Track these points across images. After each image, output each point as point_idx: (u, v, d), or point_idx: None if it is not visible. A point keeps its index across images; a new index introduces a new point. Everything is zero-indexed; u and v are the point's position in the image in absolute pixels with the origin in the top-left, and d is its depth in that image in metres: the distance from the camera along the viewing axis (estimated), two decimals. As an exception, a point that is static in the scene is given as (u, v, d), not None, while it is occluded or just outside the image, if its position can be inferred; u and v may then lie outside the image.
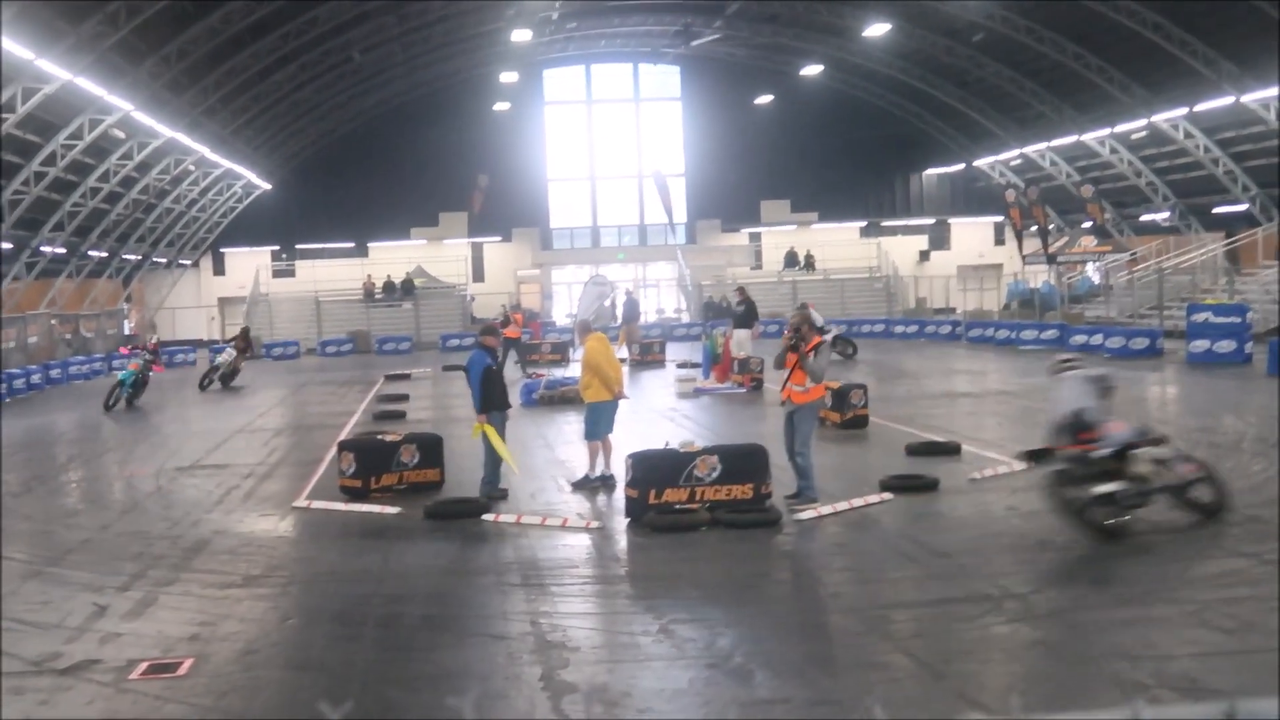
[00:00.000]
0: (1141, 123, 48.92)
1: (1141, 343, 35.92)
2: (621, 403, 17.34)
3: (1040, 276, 53.93)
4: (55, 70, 31.73)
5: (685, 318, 60.14)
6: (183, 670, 9.27)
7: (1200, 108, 44.98)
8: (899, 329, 51.28)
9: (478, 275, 65.30)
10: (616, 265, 64.15)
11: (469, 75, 61.68)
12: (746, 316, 34.64)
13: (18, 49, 29.65)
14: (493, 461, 16.14)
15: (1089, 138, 53.07)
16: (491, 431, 16.07)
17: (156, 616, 10.95)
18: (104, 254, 52.14)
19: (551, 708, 8.27)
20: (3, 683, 9.11)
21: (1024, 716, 7.38)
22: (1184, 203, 53.67)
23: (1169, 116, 47.35)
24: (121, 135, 41.81)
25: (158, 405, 33.06)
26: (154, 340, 39.89)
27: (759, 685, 8.58)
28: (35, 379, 38.66)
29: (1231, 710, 1.11)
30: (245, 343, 39.57)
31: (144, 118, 39.61)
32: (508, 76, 58.80)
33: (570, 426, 23.08)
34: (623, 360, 35.42)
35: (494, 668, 9.26)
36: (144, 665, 9.41)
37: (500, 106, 63.25)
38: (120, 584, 12.10)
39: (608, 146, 68.25)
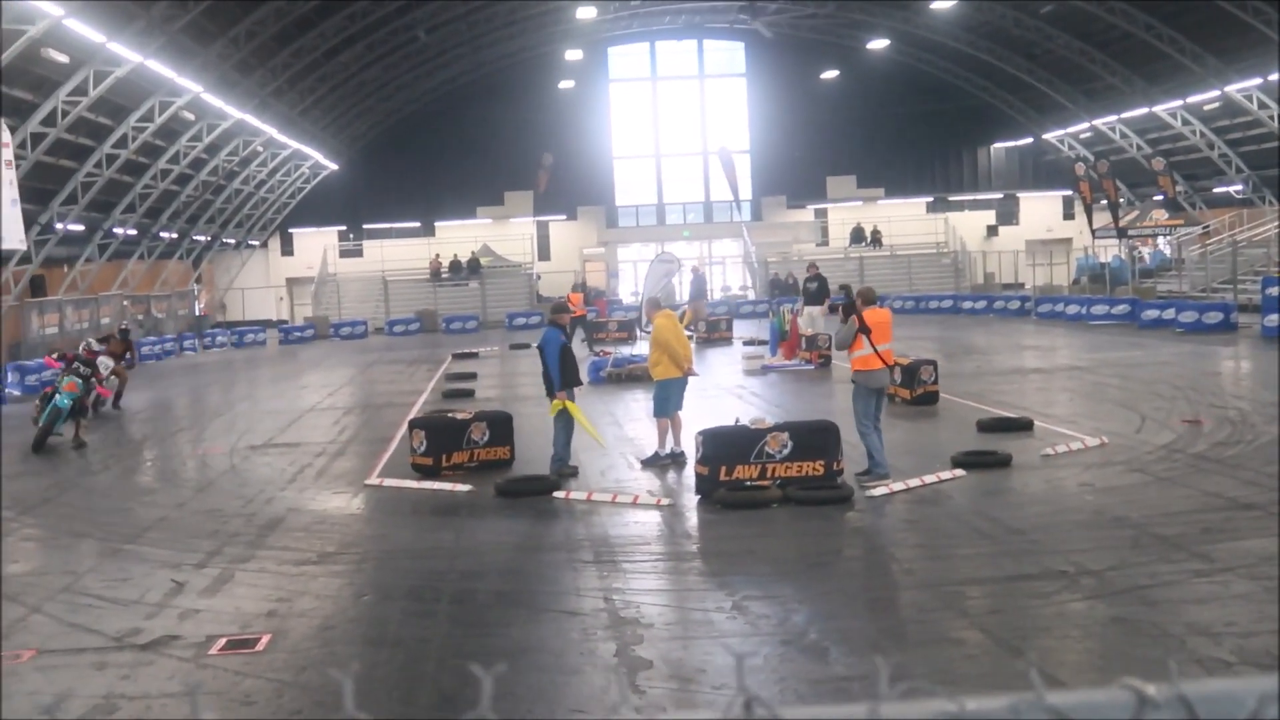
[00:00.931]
0: (1214, 93, 48.18)
1: (1215, 317, 35.44)
2: (690, 380, 17.33)
3: (1110, 251, 53.34)
4: (126, 53, 32.03)
5: (751, 295, 59.98)
6: (261, 646, 9.37)
7: (1275, 77, 44.23)
8: (967, 305, 50.93)
9: (543, 254, 65.39)
10: (682, 243, 64.02)
11: (534, 53, 61.70)
12: (818, 293, 34.49)
13: (90, 32, 29.94)
14: (564, 439, 16.18)
15: (1160, 109, 52.34)
16: (574, 407, 16.13)
17: (233, 593, 11.08)
18: (174, 235, 52.67)
19: (627, 683, 8.29)
20: (84, 658, 9.26)
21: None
22: (1257, 174, 52.84)
23: (1242, 87, 46.59)
24: (191, 117, 42.16)
25: (228, 384, 33.39)
26: (87, 347, 26.71)
27: (834, 661, 8.56)
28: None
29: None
30: (125, 347, 29.44)
31: (213, 99, 39.92)
32: (572, 54, 58.79)
33: (638, 404, 23.11)
34: (690, 337, 35.52)
35: (568, 643, 9.30)
36: (222, 641, 9.53)
37: (565, 84, 63.22)
38: (197, 561, 12.25)
39: (672, 123, 68.03)
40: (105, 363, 25.78)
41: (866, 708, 1.17)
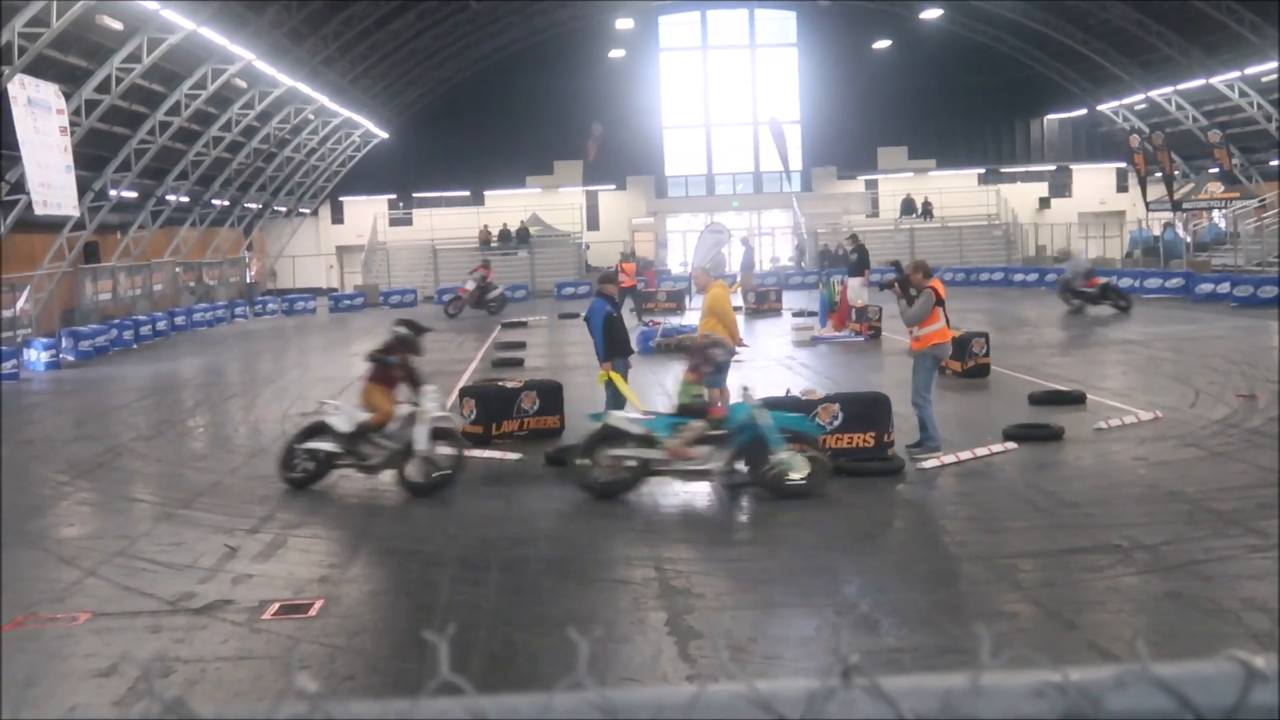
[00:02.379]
0: (1272, 65, 47.50)
1: (1270, 291, 35.04)
2: (740, 350, 17.28)
3: (1164, 224, 52.83)
4: (179, 20, 32.13)
5: (801, 265, 59.80)
6: (313, 611, 9.44)
7: (1335, 49, 43.61)
8: (1018, 277, 50.59)
9: (592, 224, 65.35)
10: (731, 213, 63.79)
11: (584, 22, 61.58)
12: (859, 264, 34.32)
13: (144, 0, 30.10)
14: (614, 408, 16.17)
15: (1217, 81, 51.66)
16: (617, 377, 16.12)
17: (286, 559, 11.16)
18: (226, 203, 52.93)
19: (678, 653, 8.30)
20: (139, 621, 9.35)
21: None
22: (1315, 148, 52.23)
23: (1302, 58, 45.99)
24: (243, 85, 42.29)
25: (279, 351, 33.60)
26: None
27: (886, 633, 8.55)
28: (161, 325, 39.50)
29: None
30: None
31: (265, 67, 40.02)
32: (623, 23, 58.63)
33: (688, 374, 23.06)
34: (737, 309, 35.44)
35: (619, 612, 9.32)
36: (275, 605, 9.61)
37: (615, 54, 63.04)
38: (250, 526, 12.35)
39: (723, 93, 67.71)
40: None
41: (968, 676, 1.14)
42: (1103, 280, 35.78)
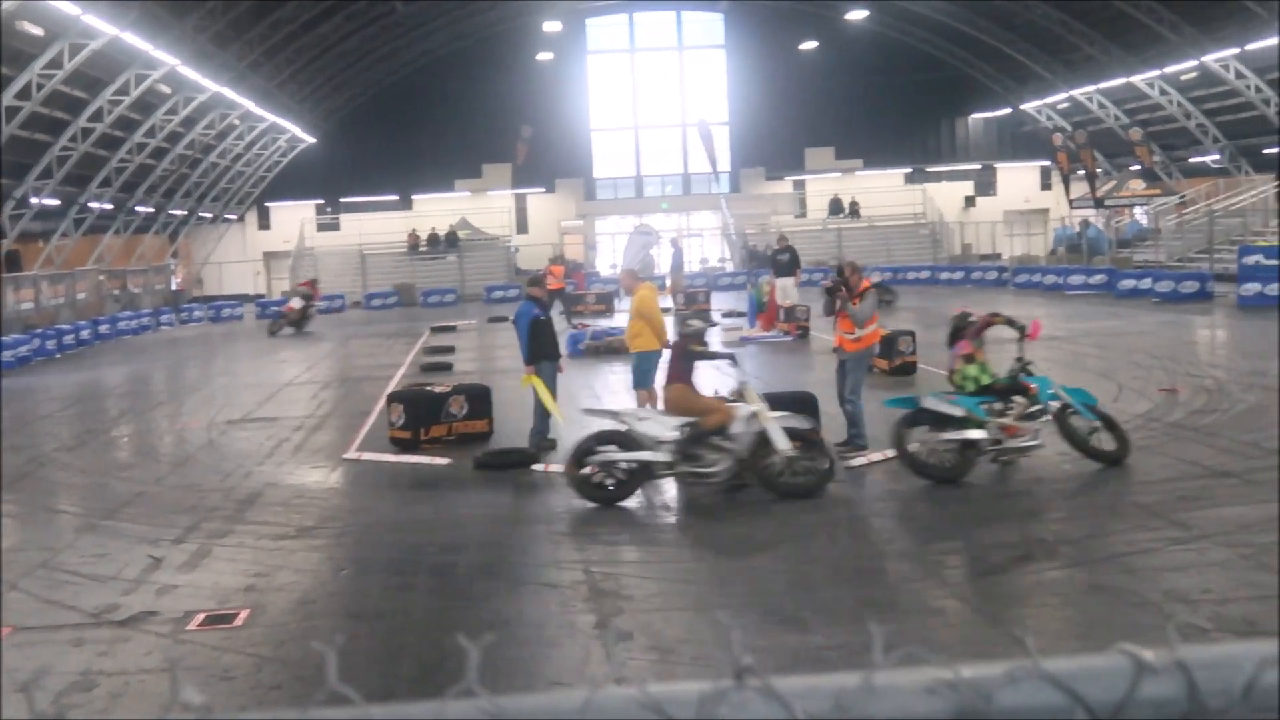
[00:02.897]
0: (1191, 63, 48.20)
1: (1191, 286, 35.57)
2: (665, 353, 17.29)
3: (1081, 221, 53.44)
4: (101, 25, 31.80)
5: (729, 267, 59.95)
6: (239, 621, 9.35)
7: (1251, 47, 44.25)
8: (945, 275, 51.01)
9: (521, 227, 65.28)
10: (660, 215, 63.89)
11: (512, 25, 61.46)
12: (789, 265, 34.47)
13: (65, 5, 29.75)
14: (542, 412, 16.15)
15: (1138, 79, 52.36)
16: (538, 382, 16.07)
17: (212, 568, 11.04)
18: (151, 209, 52.38)
19: (606, 655, 8.29)
20: (61, 635, 9.22)
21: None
22: (1234, 144, 52.98)
23: (1219, 56, 46.61)
24: (167, 90, 41.90)
25: (205, 359, 33.31)
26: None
27: (814, 631, 8.57)
28: (85, 334, 39.01)
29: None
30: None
31: (189, 72, 39.66)
32: (551, 26, 58.56)
33: (616, 376, 23.08)
34: (667, 310, 35.46)
35: (548, 615, 9.30)
36: (201, 616, 9.50)
37: (543, 56, 62.97)
38: (175, 536, 12.20)
39: (651, 95, 67.80)
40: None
41: (861, 676, 1.14)
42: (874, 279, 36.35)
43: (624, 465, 12.86)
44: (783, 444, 12.58)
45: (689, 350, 13.74)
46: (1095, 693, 1.15)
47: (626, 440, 12.97)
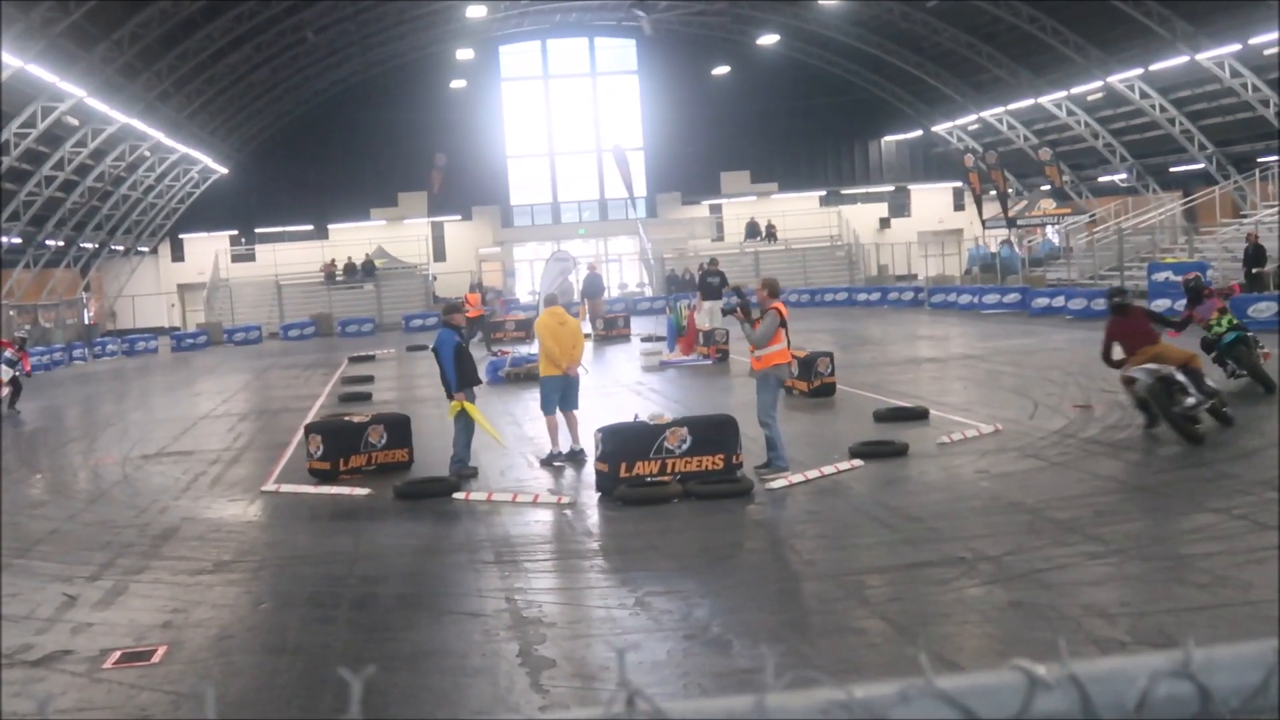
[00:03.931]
0: (1097, 84, 49.04)
1: (1103, 304, 35.93)
2: (587, 377, 17.31)
3: (1001, 241, 54.12)
4: (7, 59, 31.38)
5: (648, 291, 60.08)
6: (156, 658, 9.20)
7: (1155, 67, 45.09)
8: (861, 297, 51.40)
9: (439, 255, 65.07)
10: (578, 240, 63.94)
11: (424, 53, 61.35)
12: (719, 288, 34.65)
13: (-34, 37, 29.34)
14: (463, 440, 16.09)
15: (1046, 100, 53.17)
16: (472, 408, 16.04)
17: (128, 605, 10.87)
18: (61, 243, 51.71)
19: (530, 683, 8.25)
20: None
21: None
22: (1141, 163, 53.91)
23: (1124, 77, 47.48)
24: (75, 122, 41.42)
25: (120, 393, 32.88)
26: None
27: (737, 654, 8.57)
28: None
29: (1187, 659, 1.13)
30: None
31: (97, 104, 39.24)
32: (464, 53, 58.51)
33: (536, 403, 22.95)
34: (587, 336, 35.48)
35: (471, 645, 9.24)
36: (117, 654, 9.34)
37: (457, 84, 62.88)
38: (90, 573, 12.01)
39: (566, 122, 67.92)
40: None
41: (753, 699, 1.14)
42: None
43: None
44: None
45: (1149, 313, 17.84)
46: (989, 709, 1.16)
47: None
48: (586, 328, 38.17)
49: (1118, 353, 16.31)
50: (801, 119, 64.79)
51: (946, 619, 9.32)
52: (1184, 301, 21.90)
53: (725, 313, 15.74)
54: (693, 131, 64.78)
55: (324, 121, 61.99)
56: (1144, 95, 48.12)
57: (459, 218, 65.84)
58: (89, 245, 55.60)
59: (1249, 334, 19.06)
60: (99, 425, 26.54)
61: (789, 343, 15.26)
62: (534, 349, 32.06)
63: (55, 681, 8.82)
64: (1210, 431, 15.29)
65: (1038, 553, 10.72)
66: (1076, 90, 50.93)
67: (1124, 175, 54.95)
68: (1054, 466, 14.38)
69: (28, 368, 28.63)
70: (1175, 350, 15.91)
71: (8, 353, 28.07)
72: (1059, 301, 38.18)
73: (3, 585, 11.76)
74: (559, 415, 16.86)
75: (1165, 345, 16.04)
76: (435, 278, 61.48)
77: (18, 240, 46.07)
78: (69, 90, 36.50)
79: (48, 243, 49.72)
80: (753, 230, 63.06)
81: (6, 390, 27.62)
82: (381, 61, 60.52)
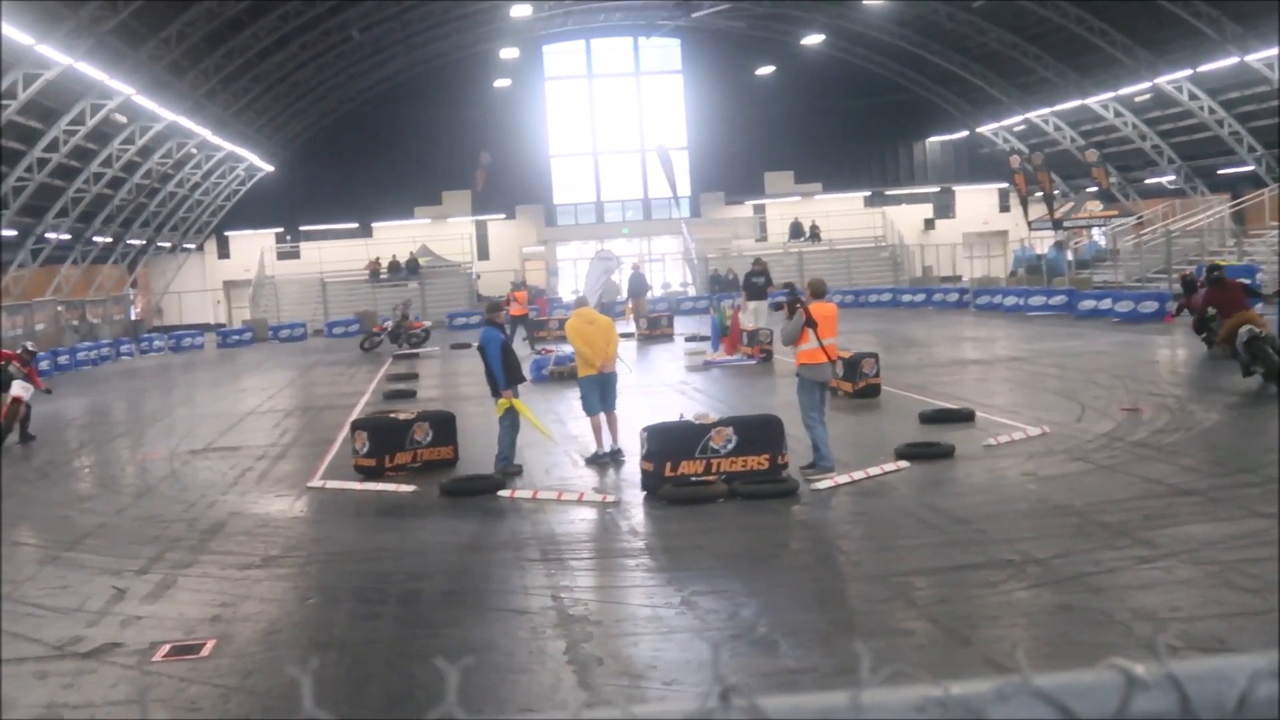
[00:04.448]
0: (1145, 85, 48.69)
1: (1150, 306, 35.77)
2: (630, 377, 17.30)
3: (1046, 242, 53.75)
4: (56, 56, 31.64)
5: (691, 291, 60.03)
6: (206, 651, 9.25)
7: (1204, 69, 44.73)
8: (906, 298, 51.21)
9: (482, 253, 65.19)
10: (621, 240, 63.95)
11: (469, 52, 61.50)
12: (764, 288, 34.59)
13: (17, 34, 29.57)
14: (509, 438, 16.12)
15: (1093, 101, 52.83)
16: (521, 404, 16.09)
17: (176, 599, 10.94)
18: (109, 239, 52.12)
19: (578, 680, 8.25)
20: (24, 668, 9.11)
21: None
22: (1189, 165, 53.50)
23: (1173, 78, 47.13)
24: (123, 120, 41.72)
25: (166, 389, 33.11)
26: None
27: (784, 655, 8.55)
28: (44, 365, 38.66)
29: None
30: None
31: (145, 102, 39.50)
32: (508, 53, 58.62)
33: (579, 402, 23.05)
34: (629, 335, 35.48)
35: (517, 642, 9.24)
36: (166, 647, 9.40)
37: (501, 83, 63.00)
38: (139, 567, 12.09)
39: (610, 121, 67.97)
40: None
41: (848, 695, 1.13)
42: None
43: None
44: None
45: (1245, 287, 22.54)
46: (1086, 708, 1.14)
47: None
48: (630, 327, 38.22)
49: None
50: (846, 119, 64.58)
51: (994, 622, 9.26)
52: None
53: (774, 308, 15.71)
54: (737, 131, 64.69)
55: (369, 120, 62.21)
56: (1192, 97, 47.75)
57: (503, 216, 65.98)
58: (136, 242, 55.99)
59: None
60: (146, 420, 26.72)
61: (820, 343, 15.09)
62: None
63: (106, 674, 8.89)
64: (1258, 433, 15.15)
65: (1086, 556, 10.64)
66: (1124, 91, 50.58)
67: (1172, 177, 54.54)
68: (1102, 469, 14.28)
69: (39, 382, 24.51)
70: (1260, 317, 19.99)
71: (12, 366, 23.36)
72: (1105, 304, 37.89)
73: (51, 578, 11.87)
74: (601, 415, 16.86)
75: (1254, 312, 20.34)
76: (479, 276, 61.59)
77: (66, 236, 46.45)
78: (117, 88, 36.77)
79: (95, 239, 50.11)
80: (796, 230, 62.94)
81: (23, 408, 23.24)
82: (426, 60, 60.71)
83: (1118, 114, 53.20)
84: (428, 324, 42.20)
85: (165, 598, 10.97)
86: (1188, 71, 45.93)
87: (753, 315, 32.47)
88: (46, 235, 43.94)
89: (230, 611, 10.43)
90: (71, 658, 9.30)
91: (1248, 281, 25.61)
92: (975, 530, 11.82)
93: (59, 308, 47.90)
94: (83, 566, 12.36)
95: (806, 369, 15.10)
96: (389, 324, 42.03)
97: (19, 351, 24.84)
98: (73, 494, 17.66)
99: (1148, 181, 57.30)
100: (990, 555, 10.82)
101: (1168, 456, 14.84)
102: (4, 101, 32.37)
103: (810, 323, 14.91)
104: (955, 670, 7.98)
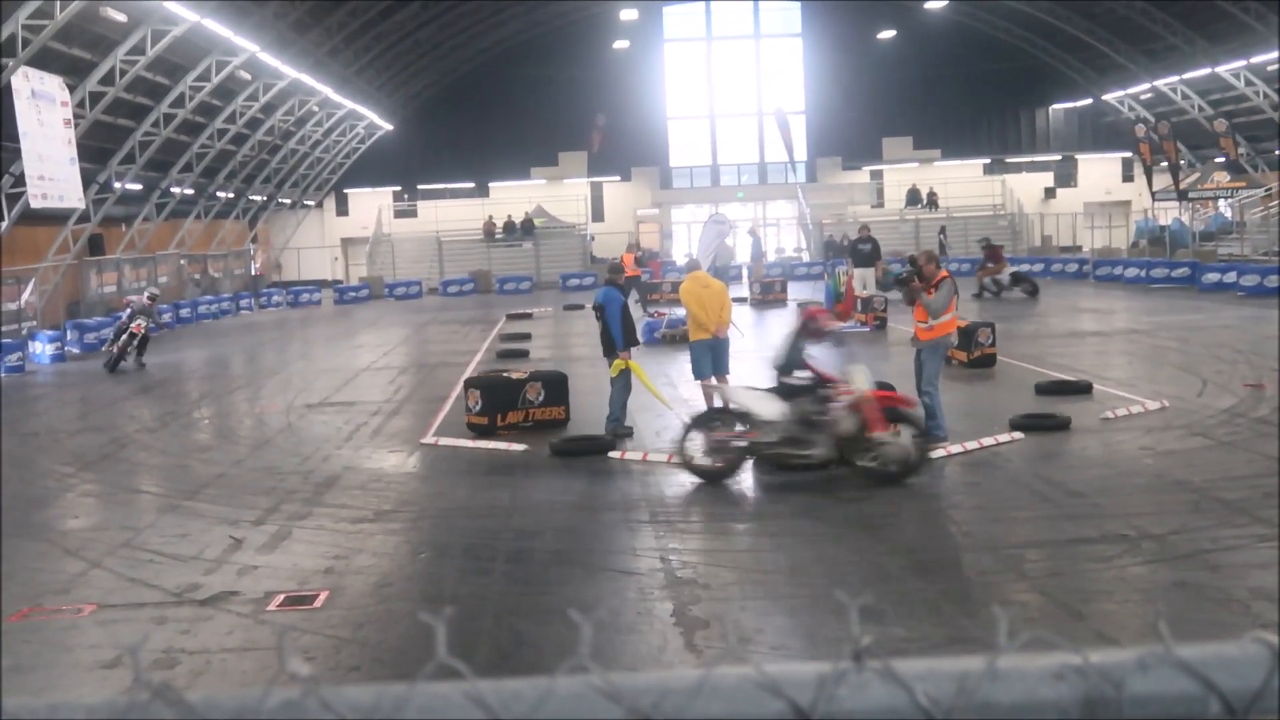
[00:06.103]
0: (1277, 54, 47.43)
1: (1276, 280, 34.95)
2: (742, 341, 17.21)
3: (1170, 213, 52.68)
4: (183, 12, 32.07)
5: (805, 257, 59.68)
6: (318, 603, 9.42)
7: (1341, 37, 43.46)
8: (1024, 268, 50.43)
9: (597, 215, 65.26)
10: (736, 204, 63.67)
11: (588, 13, 61.43)
12: (871, 256, 34.31)
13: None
14: (620, 399, 16.15)
15: (1223, 70, 51.51)
16: (637, 366, 16.13)
17: (291, 550, 11.14)
18: (230, 195, 52.87)
19: (684, 643, 8.27)
20: (144, 612, 9.32)
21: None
22: (1322, 137, 52.13)
23: (1308, 47, 45.87)
24: (247, 77, 42.25)
25: (284, 343, 33.64)
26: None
27: (892, 624, 8.49)
28: (166, 318, 39.45)
29: None
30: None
31: (269, 59, 39.93)
32: (627, 14, 58.45)
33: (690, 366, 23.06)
34: (742, 299, 35.35)
35: (625, 602, 9.29)
36: (280, 597, 9.58)
37: (619, 45, 62.87)
38: (255, 518, 12.32)
39: (727, 84, 67.57)
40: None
41: (985, 659, 1.11)
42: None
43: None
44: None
45: None
46: (1229, 681, 1.11)
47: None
48: (744, 291, 38.12)
49: None
50: (967, 85, 63.65)
51: (1108, 596, 9.15)
52: None
53: (895, 279, 15.55)
54: (855, 96, 64.04)
55: (487, 80, 62.44)
56: (1327, 66, 46.44)
57: (618, 178, 65.96)
58: (257, 198, 56.77)
59: None
60: (264, 374, 27.16)
61: (956, 311, 15.11)
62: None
63: (222, 621, 9.08)
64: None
65: (1203, 533, 10.46)
66: (1256, 60, 49.22)
67: (1303, 149, 53.17)
68: (1222, 446, 14.01)
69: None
70: None
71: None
72: (1230, 277, 37.07)
73: (171, 526, 12.11)
74: (712, 379, 16.82)
75: None
76: (593, 238, 61.69)
77: (190, 191, 47.19)
78: (242, 45, 37.19)
79: (218, 194, 50.88)
80: (914, 197, 62.27)
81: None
82: (545, 21, 60.75)
83: (1249, 83, 51.83)
84: (149, 324, 28.47)
85: (280, 549, 11.16)
86: (1323, 40, 44.67)
87: (860, 282, 32.19)
88: (171, 190, 44.68)
89: (343, 564, 10.59)
90: (189, 604, 9.51)
91: None
92: (1090, 504, 11.66)
93: (182, 261, 48.76)
94: (201, 515, 12.62)
95: (948, 337, 15.13)
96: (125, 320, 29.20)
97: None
98: (192, 444, 18.02)
99: (1278, 153, 55.88)
100: (1105, 530, 10.67)
101: (1292, 434, 14.51)
102: (133, 57, 32.93)
103: (955, 291, 14.98)
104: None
